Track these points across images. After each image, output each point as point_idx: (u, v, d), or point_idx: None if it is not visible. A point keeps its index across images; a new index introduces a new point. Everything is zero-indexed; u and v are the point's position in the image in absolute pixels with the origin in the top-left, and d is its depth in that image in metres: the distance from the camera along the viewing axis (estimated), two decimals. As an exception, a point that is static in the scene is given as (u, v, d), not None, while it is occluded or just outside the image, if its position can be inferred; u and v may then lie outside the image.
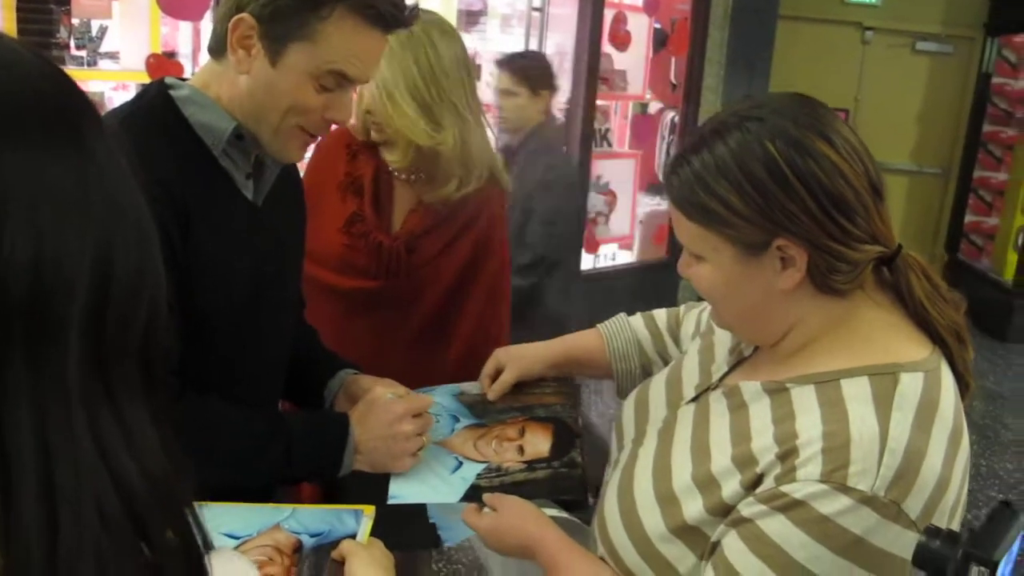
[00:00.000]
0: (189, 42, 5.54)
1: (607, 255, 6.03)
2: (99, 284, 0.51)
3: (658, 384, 1.34)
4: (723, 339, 1.30)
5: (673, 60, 5.98)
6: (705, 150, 1.05)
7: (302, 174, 1.69)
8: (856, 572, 0.96)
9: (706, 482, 1.08)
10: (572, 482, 1.40)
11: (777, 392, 1.09)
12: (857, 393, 1.02)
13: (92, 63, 4.13)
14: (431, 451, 1.45)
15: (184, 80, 1.35)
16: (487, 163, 1.95)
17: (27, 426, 0.48)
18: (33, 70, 0.53)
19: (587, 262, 5.77)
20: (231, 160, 1.34)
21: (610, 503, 1.19)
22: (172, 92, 1.32)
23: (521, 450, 1.45)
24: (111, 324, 0.52)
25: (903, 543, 0.95)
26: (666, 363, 1.49)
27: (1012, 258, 6.55)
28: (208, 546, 0.58)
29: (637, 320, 1.60)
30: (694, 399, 1.23)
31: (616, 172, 5.86)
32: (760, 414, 1.08)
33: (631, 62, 5.78)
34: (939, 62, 7.01)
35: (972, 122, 7.01)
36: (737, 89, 5.94)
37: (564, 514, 1.33)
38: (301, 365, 1.61)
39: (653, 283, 6.15)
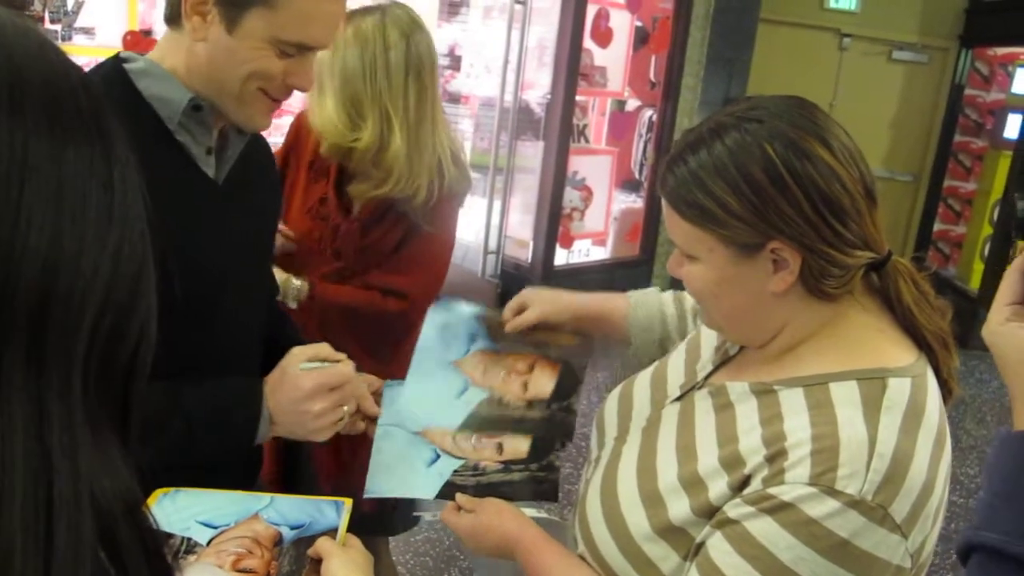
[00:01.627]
0: (166, 20, 5.48)
1: (581, 251, 6.04)
2: (107, 291, 0.49)
3: (643, 381, 1.34)
4: (709, 337, 1.30)
5: (653, 58, 5.98)
6: (703, 149, 1.05)
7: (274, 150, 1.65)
8: (841, 574, 0.96)
9: (692, 482, 1.07)
10: (549, 486, 1.40)
11: (764, 393, 1.09)
12: (846, 396, 1.02)
13: (67, 38, 4.06)
14: (409, 441, 1.44)
15: (141, 54, 1.30)
16: (424, 169, 1.93)
17: (25, 433, 0.45)
18: (62, 61, 0.51)
19: (560, 257, 5.77)
20: (188, 134, 1.29)
21: (592, 501, 1.19)
22: (126, 65, 1.28)
23: (525, 386, 1.46)
24: (109, 335, 0.50)
25: (888, 546, 0.96)
26: None
27: (978, 267, 6.64)
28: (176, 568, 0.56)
29: (667, 296, 1.59)
30: (679, 398, 1.23)
31: (592, 168, 5.87)
32: (747, 415, 1.09)
33: (611, 58, 5.78)
34: (914, 71, 7.09)
35: (944, 131, 7.10)
36: (716, 89, 5.96)
37: (543, 513, 1.33)
38: (272, 352, 1.55)
39: (626, 280, 6.17)
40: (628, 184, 6.32)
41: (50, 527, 0.45)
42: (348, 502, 1.20)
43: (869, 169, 1.07)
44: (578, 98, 5.57)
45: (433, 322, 1.56)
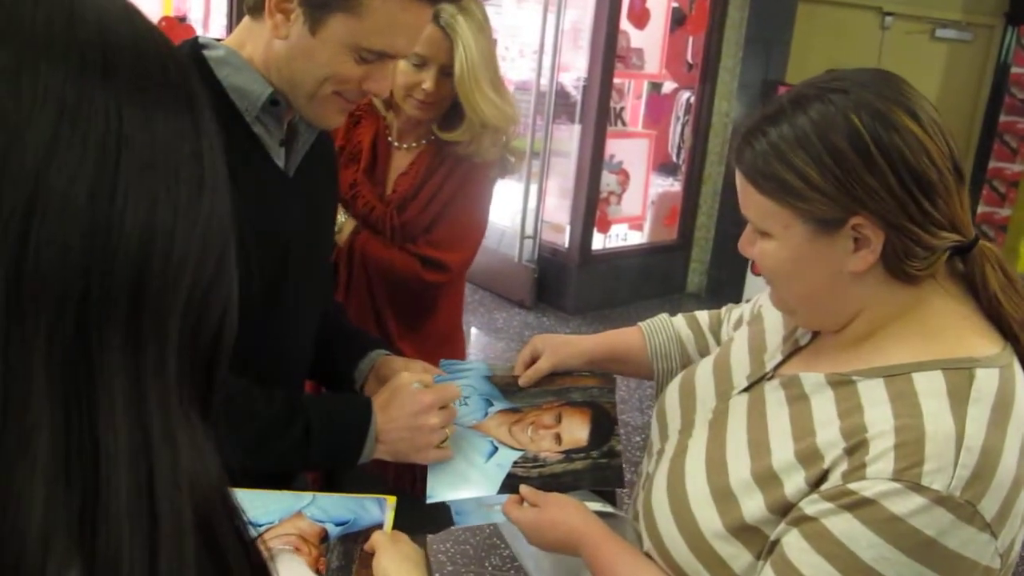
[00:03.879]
0: (201, 6, 5.48)
1: (618, 235, 5.98)
2: (198, 265, 0.46)
3: (704, 371, 1.29)
4: (775, 326, 1.25)
5: (690, 39, 5.90)
6: (784, 121, 1.00)
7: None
8: (926, 575, 0.91)
9: (766, 478, 1.03)
10: (612, 472, 1.36)
11: (842, 385, 1.04)
12: (931, 387, 0.97)
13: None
14: (465, 435, 1.40)
15: (219, 40, 1.29)
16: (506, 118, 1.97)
17: (126, 418, 0.43)
18: (148, 26, 0.48)
19: (597, 242, 5.72)
20: (264, 126, 1.28)
21: (658, 498, 1.14)
22: (206, 52, 1.26)
23: (558, 438, 1.40)
24: (199, 311, 0.48)
25: (977, 545, 0.91)
26: None
27: (1024, 250, 6.50)
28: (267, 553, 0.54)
29: (679, 319, 1.56)
30: (746, 389, 1.18)
31: (629, 152, 5.81)
32: (823, 407, 1.03)
33: (648, 40, 5.71)
34: (958, 50, 6.93)
35: (988, 111, 6.94)
36: (754, 70, 5.86)
37: (607, 508, 1.29)
38: (329, 343, 1.56)
39: (663, 265, 6.11)
40: (665, 167, 6.25)
41: (154, 515, 0.43)
42: (391, 499, 1.20)
43: (957, 145, 1.01)
44: (615, 81, 5.50)
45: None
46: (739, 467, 1.07)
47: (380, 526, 1.15)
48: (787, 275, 1.07)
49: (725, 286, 6.03)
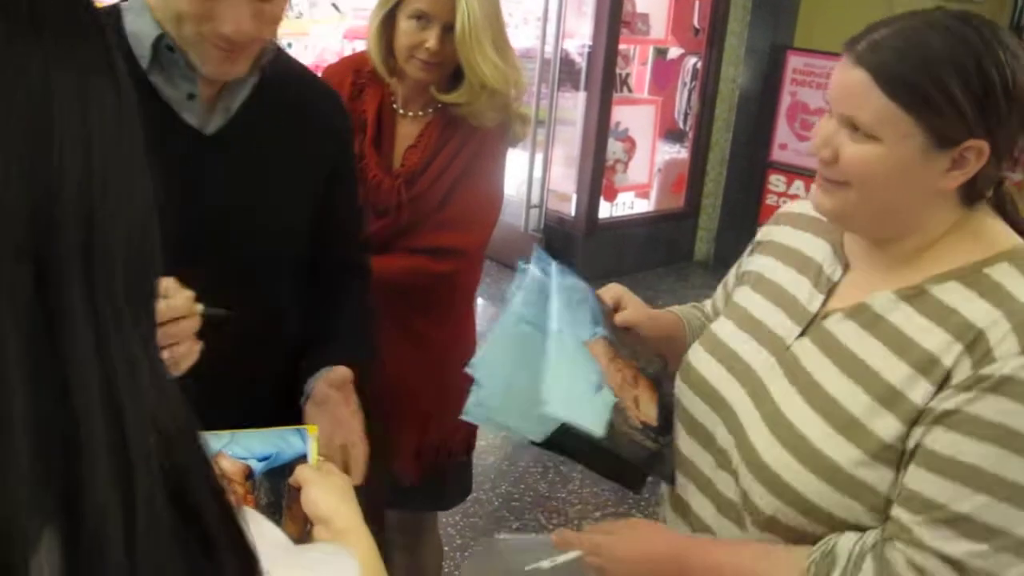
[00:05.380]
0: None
1: (625, 203, 5.93)
2: (135, 213, 0.48)
3: (733, 335, 1.27)
4: (791, 279, 1.24)
5: (697, 3, 5.82)
6: (932, 35, 1.02)
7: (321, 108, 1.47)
8: None
9: (889, 397, 1.05)
10: (666, 468, 1.27)
11: (916, 296, 1.08)
12: (1008, 276, 1.03)
13: None
14: (580, 351, 1.21)
15: None
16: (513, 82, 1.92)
17: (96, 369, 0.43)
18: None
19: (604, 210, 5.68)
20: (164, 76, 1.21)
21: (774, 455, 1.11)
22: (121, 3, 1.21)
23: (636, 402, 1.26)
24: (139, 257, 0.48)
25: None
26: None
27: (1035, 214, 6.44)
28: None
29: (703, 305, 1.55)
30: (801, 334, 1.18)
31: (635, 119, 5.75)
32: (909, 319, 1.07)
33: (653, 5, 5.64)
34: (968, 11, 6.85)
35: (1000, 74, 6.88)
36: (762, 35, 5.78)
37: (570, 555, 1.22)
38: (303, 353, 1.43)
39: (670, 233, 6.07)
40: (672, 134, 6.19)
41: (130, 476, 0.43)
42: (312, 429, 1.15)
43: None
44: (620, 47, 5.43)
45: (556, 284, 1.29)
46: (851, 397, 1.08)
47: (304, 458, 1.11)
48: (879, 183, 1.07)
49: (733, 254, 5.96)
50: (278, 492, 1.07)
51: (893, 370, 1.06)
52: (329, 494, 0.97)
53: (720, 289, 1.49)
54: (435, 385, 2.00)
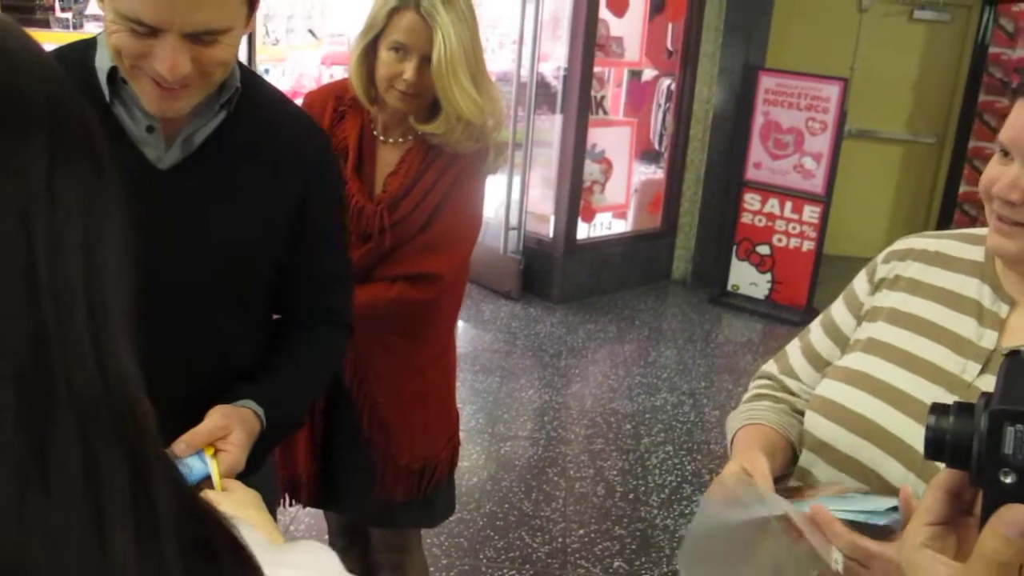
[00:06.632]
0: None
1: (602, 224, 5.98)
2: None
3: (887, 373, 1.23)
4: (950, 318, 1.21)
5: (670, 26, 5.90)
6: None
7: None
8: None
9: None
10: None
11: None
12: None
13: (78, 26, 4.03)
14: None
15: None
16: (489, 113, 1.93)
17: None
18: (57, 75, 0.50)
19: (582, 231, 5.72)
20: (125, 109, 1.22)
21: None
22: (99, 36, 1.24)
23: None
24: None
25: None
26: None
27: (1006, 228, 6.53)
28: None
29: (777, 376, 1.46)
30: (982, 371, 1.16)
31: (611, 140, 5.81)
32: None
33: (627, 28, 5.70)
34: (936, 30, 6.95)
35: (968, 91, 6.96)
36: (735, 55, 5.87)
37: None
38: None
39: (648, 252, 6.12)
40: (648, 155, 6.26)
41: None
42: (209, 451, 1.15)
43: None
44: (595, 69, 5.49)
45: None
46: None
47: (209, 479, 1.11)
48: None
49: (710, 272, 6.05)
50: None
51: None
52: (241, 508, 0.99)
53: (819, 336, 1.41)
54: (420, 403, 2.04)
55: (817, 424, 1.27)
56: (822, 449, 1.26)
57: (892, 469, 1.18)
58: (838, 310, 1.39)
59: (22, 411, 0.41)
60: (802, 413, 1.36)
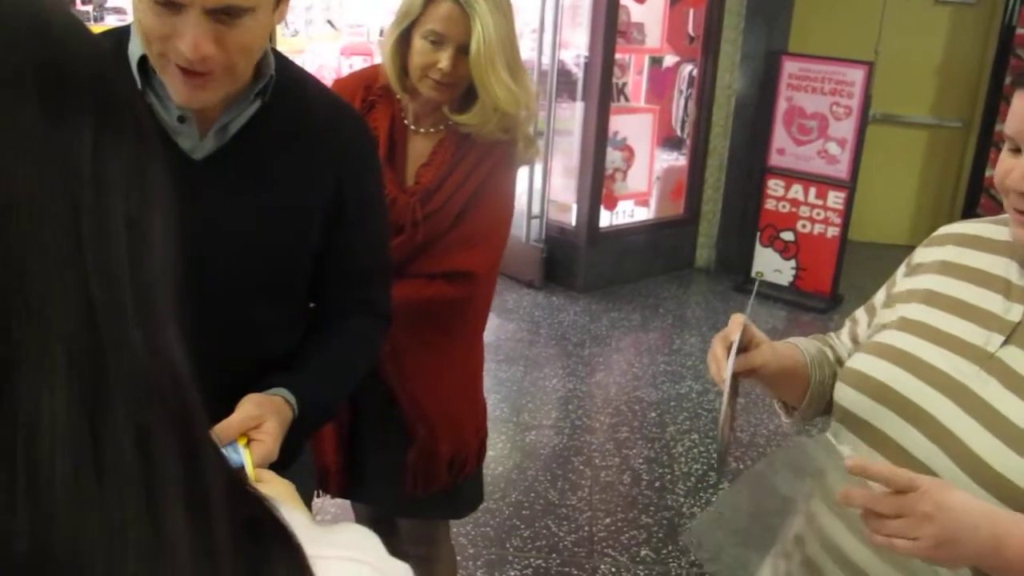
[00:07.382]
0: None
1: (625, 212, 5.96)
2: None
3: (918, 344, 1.25)
4: (977, 294, 1.23)
5: (691, 11, 5.85)
6: None
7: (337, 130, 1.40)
8: None
9: None
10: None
11: None
12: None
13: (99, 18, 4.05)
14: None
15: None
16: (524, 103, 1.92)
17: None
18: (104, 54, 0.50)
19: (605, 219, 5.70)
20: (156, 97, 1.21)
21: (1000, 460, 1.09)
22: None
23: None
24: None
25: None
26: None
27: (1034, 213, 6.45)
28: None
29: (830, 336, 1.51)
30: (1005, 342, 1.17)
31: (633, 127, 5.77)
32: None
33: (648, 14, 5.67)
34: (961, 13, 6.86)
35: (994, 74, 6.86)
36: (757, 41, 5.81)
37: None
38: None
39: (671, 240, 6.09)
40: (670, 142, 6.22)
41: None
42: (242, 440, 1.14)
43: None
44: (616, 56, 5.46)
45: None
46: None
47: (242, 469, 1.11)
48: None
49: (734, 259, 6.01)
50: None
51: None
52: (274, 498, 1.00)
53: (862, 315, 1.46)
54: (452, 396, 2.04)
55: (843, 394, 1.29)
56: (846, 418, 1.29)
57: (914, 440, 1.19)
58: (878, 294, 1.43)
59: (73, 395, 0.41)
60: (840, 362, 1.41)
